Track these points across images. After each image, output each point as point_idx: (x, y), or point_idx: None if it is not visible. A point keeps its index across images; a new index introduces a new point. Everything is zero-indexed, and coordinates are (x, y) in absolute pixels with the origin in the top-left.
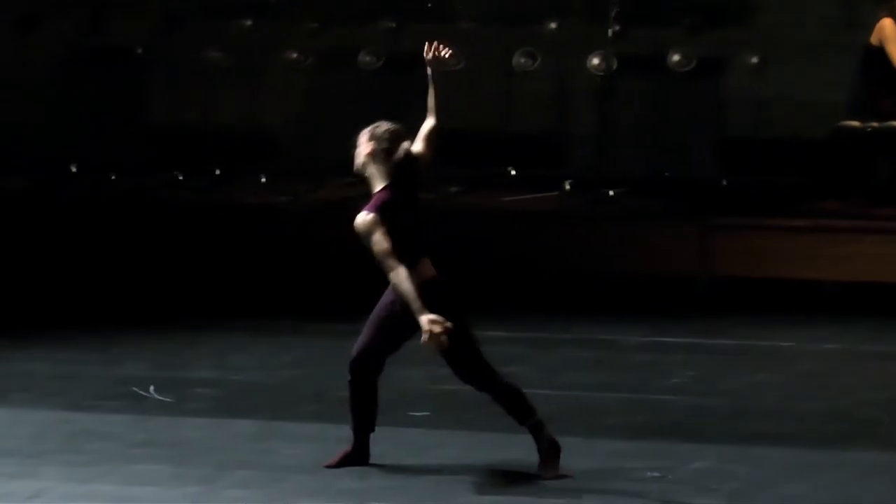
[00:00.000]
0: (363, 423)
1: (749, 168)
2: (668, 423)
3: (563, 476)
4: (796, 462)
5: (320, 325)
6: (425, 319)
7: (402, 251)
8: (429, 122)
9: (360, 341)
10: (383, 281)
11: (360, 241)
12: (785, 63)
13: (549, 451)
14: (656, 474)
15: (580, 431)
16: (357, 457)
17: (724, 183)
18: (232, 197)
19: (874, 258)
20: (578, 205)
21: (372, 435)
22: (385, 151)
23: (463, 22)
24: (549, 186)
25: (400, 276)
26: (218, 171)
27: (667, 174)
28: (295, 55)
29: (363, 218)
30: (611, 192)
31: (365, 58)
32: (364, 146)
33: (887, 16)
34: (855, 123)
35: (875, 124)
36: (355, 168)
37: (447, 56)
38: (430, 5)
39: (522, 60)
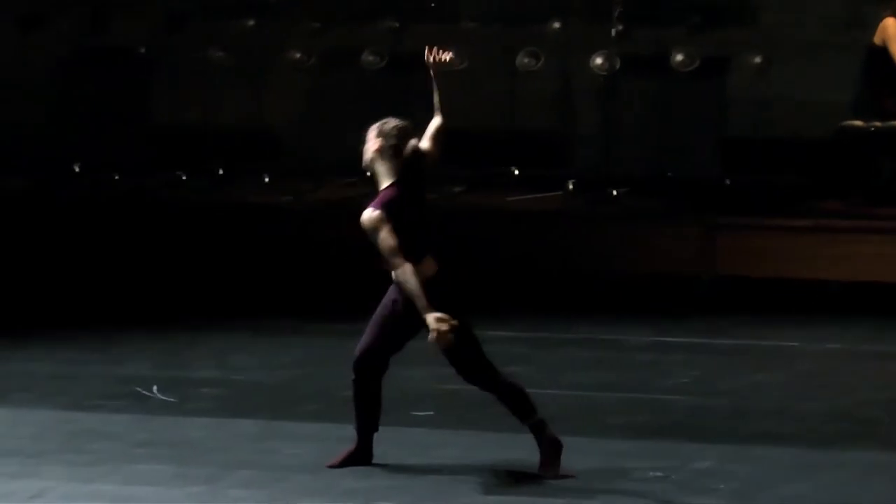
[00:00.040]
0: (367, 423)
1: (751, 168)
2: (669, 423)
3: (565, 476)
4: (797, 462)
5: (321, 325)
6: (432, 318)
7: (406, 248)
8: (436, 121)
9: (363, 341)
10: (384, 280)
11: (366, 237)
12: (786, 63)
13: (551, 451)
14: (659, 474)
15: (582, 431)
16: (360, 456)
17: (727, 183)
18: (234, 197)
19: (875, 258)
20: (581, 205)
21: (375, 434)
22: (392, 148)
23: (465, 22)
24: (552, 186)
25: (406, 274)
26: (220, 171)
27: (669, 174)
28: (297, 55)
29: (369, 214)
30: (615, 192)
31: (367, 58)
32: (372, 142)
33: (890, 15)
34: (858, 123)
35: (878, 124)
36: (363, 164)
37: (447, 59)
38: (432, 5)
39: (526, 60)
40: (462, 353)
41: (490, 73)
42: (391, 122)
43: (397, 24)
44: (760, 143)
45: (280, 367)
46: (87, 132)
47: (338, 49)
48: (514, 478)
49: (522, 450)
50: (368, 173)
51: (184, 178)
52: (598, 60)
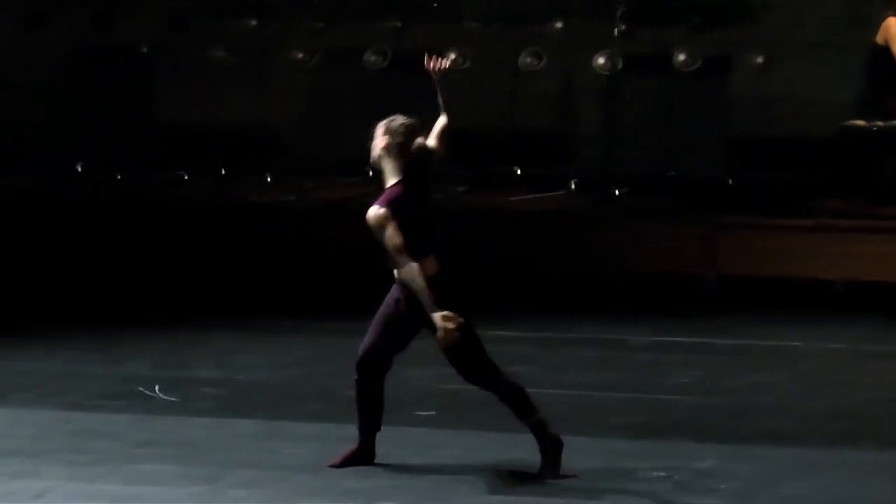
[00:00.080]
0: (369, 423)
1: (752, 167)
2: (671, 423)
3: (566, 475)
4: (798, 461)
5: (323, 325)
6: (438, 316)
7: (410, 247)
8: (442, 120)
9: (366, 341)
10: (386, 280)
11: (369, 236)
12: (789, 62)
13: (552, 451)
14: (661, 474)
15: (583, 431)
16: (362, 456)
17: (729, 182)
18: (235, 196)
19: (877, 258)
20: (583, 204)
21: (377, 434)
22: (399, 146)
23: (468, 22)
24: (554, 186)
25: (412, 272)
26: (222, 171)
27: (672, 173)
28: (300, 55)
29: (375, 212)
30: (617, 192)
31: (370, 57)
32: (379, 140)
33: (892, 15)
34: (860, 123)
35: (880, 123)
36: (370, 161)
37: (447, 66)
38: (434, 5)
39: (528, 60)
40: (464, 352)
41: (492, 72)
42: (399, 120)
43: (399, 24)
44: (762, 143)
45: (281, 366)
46: (88, 132)
47: (340, 49)
48: (515, 477)
49: (524, 450)
50: (374, 170)
51: (185, 177)
52: (601, 60)
